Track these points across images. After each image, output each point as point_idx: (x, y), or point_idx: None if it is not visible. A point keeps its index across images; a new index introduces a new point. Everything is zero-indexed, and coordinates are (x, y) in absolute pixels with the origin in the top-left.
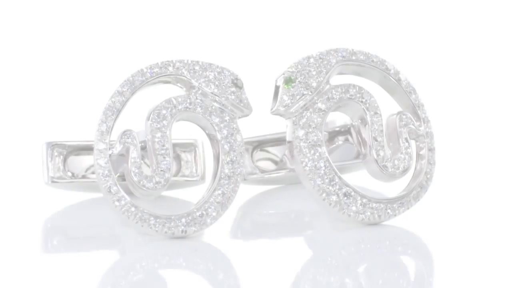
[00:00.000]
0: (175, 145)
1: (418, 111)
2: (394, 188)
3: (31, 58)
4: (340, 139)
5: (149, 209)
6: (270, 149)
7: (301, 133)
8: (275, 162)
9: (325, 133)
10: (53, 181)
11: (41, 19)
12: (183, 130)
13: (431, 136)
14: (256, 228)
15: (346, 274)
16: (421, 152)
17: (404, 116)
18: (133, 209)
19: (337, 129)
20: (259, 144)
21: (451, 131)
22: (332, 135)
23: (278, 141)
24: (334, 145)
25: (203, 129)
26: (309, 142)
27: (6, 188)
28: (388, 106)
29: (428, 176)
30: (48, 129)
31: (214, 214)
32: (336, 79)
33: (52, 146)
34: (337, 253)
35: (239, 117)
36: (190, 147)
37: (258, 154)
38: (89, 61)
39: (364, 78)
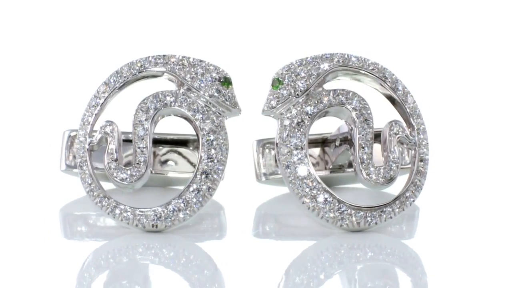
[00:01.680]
0: (196, 141)
1: (412, 121)
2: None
3: (52, 49)
4: (345, 146)
5: (125, 201)
6: None
7: (284, 135)
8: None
9: (340, 137)
10: (77, 169)
11: (62, 11)
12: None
13: (425, 147)
14: (269, 228)
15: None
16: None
17: (394, 124)
18: (106, 200)
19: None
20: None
21: (446, 140)
22: (342, 141)
23: None
24: (341, 151)
25: (189, 123)
26: (292, 145)
27: (25, 175)
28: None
29: (416, 186)
30: (70, 117)
31: (186, 211)
32: (333, 84)
33: (73, 134)
34: (316, 258)
35: (229, 117)
36: None
37: None
38: (110, 53)
39: (364, 84)
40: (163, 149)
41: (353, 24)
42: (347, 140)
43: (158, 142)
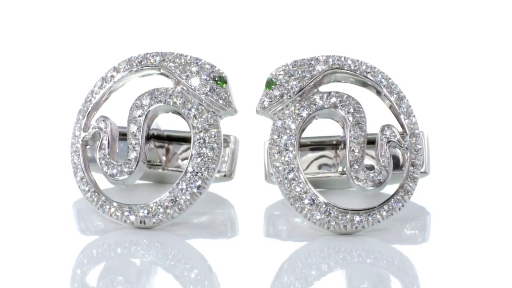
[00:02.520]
0: None
1: (406, 126)
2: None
3: (67, 47)
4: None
5: (115, 196)
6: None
7: (275, 136)
8: (319, 166)
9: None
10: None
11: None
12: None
13: (417, 152)
14: (280, 228)
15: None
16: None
17: (387, 129)
18: (96, 194)
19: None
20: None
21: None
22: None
23: (319, 145)
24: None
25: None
26: (281, 146)
27: (39, 169)
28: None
29: (405, 191)
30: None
31: (175, 208)
32: (329, 86)
33: None
34: (304, 260)
35: (224, 116)
36: (225, 142)
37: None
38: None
39: (360, 87)
40: (182, 147)
41: (354, 25)
42: None
43: (176, 139)
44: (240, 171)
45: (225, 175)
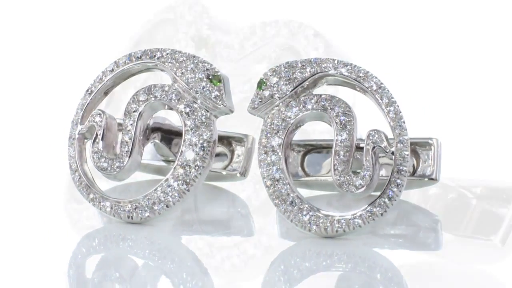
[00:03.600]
0: (231, 138)
1: (393, 131)
2: None
3: (81, 37)
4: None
5: (105, 191)
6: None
7: (263, 136)
8: None
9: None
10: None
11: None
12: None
13: (403, 158)
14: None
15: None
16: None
17: (373, 134)
18: (87, 188)
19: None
20: (314, 148)
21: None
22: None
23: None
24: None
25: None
26: (269, 146)
27: (55, 164)
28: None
29: (388, 197)
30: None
31: (161, 204)
32: (324, 89)
33: None
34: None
35: (220, 115)
36: (241, 142)
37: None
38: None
39: (353, 90)
40: None
41: (360, 28)
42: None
43: None
44: (255, 170)
45: (239, 174)
